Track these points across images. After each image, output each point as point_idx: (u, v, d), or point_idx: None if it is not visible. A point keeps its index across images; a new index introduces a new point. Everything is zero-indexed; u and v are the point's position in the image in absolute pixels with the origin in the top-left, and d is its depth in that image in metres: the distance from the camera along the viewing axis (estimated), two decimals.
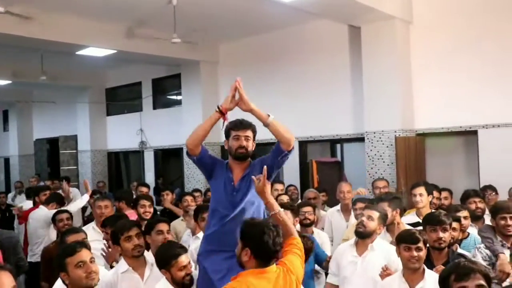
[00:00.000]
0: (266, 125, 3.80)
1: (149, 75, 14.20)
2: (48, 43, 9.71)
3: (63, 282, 3.23)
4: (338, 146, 10.78)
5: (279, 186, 7.25)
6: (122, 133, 15.35)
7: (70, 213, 6.28)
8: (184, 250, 3.75)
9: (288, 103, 10.71)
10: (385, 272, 3.90)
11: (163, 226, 4.33)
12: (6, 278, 2.58)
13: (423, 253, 3.65)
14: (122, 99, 15.74)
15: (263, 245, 2.89)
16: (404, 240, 3.69)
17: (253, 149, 3.95)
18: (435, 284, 2.97)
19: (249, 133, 3.90)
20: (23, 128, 19.59)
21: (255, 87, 11.31)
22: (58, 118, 17.77)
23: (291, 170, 10.68)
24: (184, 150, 3.85)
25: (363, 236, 4.16)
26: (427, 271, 3.67)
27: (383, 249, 4.16)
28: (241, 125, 3.88)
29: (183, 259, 3.62)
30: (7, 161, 20.72)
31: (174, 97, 14.05)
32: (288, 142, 3.81)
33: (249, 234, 2.94)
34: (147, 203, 5.30)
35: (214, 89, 12.33)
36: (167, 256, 3.62)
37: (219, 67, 12.40)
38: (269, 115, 3.80)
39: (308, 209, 5.57)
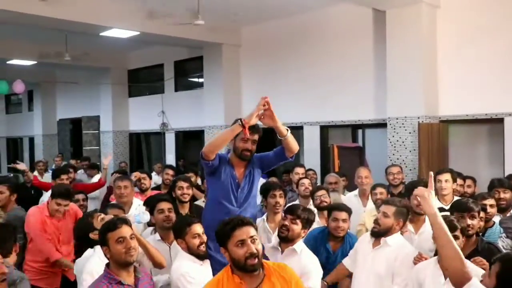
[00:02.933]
0: (283, 138, 4.00)
1: (171, 57, 14.19)
2: (73, 24, 9.73)
3: (106, 256, 3.30)
4: (360, 131, 10.68)
5: (300, 170, 7.18)
6: (144, 114, 15.40)
7: (86, 195, 6.35)
8: (198, 220, 3.87)
9: (310, 88, 10.63)
10: (419, 259, 3.78)
11: (164, 205, 4.42)
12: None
13: (459, 242, 3.53)
14: (144, 81, 15.78)
15: None
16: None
17: (255, 150, 4.20)
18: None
19: (256, 137, 4.10)
20: (47, 108, 19.83)
21: (276, 71, 11.29)
22: (81, 99, 17.90)
23: (312, 154, 10.65)
24: (205, 138, 3.94)
25: (378, 235, 3.99)
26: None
27: (398, 244, 3.97)
28: (252, 128, 3.99)
29: (197, 228, 3.75)
30: (31, 140, 21.01)
31: (196, 79, 14.03)
32: (293, 153, 4.11)
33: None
34: (184, 184, 5.23)
35: (236, 72, 12.28)
36: (181, 225, 3.78)
37: (241, 50, 12.31)
38: (287, 129, 4.01)
39: (322, 192, 5.57)
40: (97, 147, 16.96)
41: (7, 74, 14.42)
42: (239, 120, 3.87)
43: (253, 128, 4.00)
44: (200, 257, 3.72)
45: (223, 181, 4.05)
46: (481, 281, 2.88)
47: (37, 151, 20.32)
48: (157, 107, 14.65)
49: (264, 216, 5.01)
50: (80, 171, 10.51)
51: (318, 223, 5.03)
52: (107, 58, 15.20)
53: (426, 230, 4.25)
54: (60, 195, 5.09)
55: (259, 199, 6.31)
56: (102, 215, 3.90)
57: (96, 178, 8.64)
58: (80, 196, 6.10)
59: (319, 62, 10.54)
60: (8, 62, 14.47)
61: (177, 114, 14.13)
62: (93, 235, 3.88)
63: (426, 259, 3.78)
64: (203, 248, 3.72)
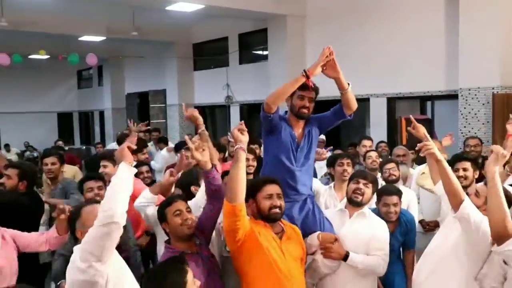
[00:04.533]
0: (344, 92, 3.91)
1: (236, 30, 14.22)
2: None
3: (165, 232, 3.41)
4: (429, 103, 10.39)
5: (367, 143, 7.07)
6: (209, 88, 15.59)
7: (150, 166, 6.42)
8: None
9: (376, 58, 10.41)
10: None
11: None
12: None
13: None
14: (208, 54, 15.93)
15: None
16: None
17: (313, 108, 4.06)
18: None
19: (313, 94, 3.97)
20: (115, 83, 20.43)
21: (342, 42, 11.07)
22: (148, 73, 18.30)
23: (378, 127, 10.48)
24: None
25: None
26: None
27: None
28: (307, 86, 3.89)
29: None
30: (102, 114, 21.77)
31: (260, 52, 14.02)
32: (353, 109, 4.00)
33: None
34: (250, 156, 5.27)
35: (301, 44, 12.15)
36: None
37: (306, 22, 12.16)
38: (349, 84, 3.91)
39: (391, 165, 5.43)
40: (164, 120, 17.36)
41: (79, 50, 14.90)
42: (303, 71, 3.80)
43: (312, 86, 3.92)
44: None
45: (283, 140, 3.96)
46: None
47: (107, 124, 21.04)
48: (222, 80, 14.79)
49: (332, 184, 5.06)
50: (150, 143, 10.78)
51: (335, 197, 4.91)
52: (172, 32, 15.42)
53: None
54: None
55: (324, 170, 6.31)
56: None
57: (164, 151, 8.82)
58: (144, 168, 6.13)
59: (386, 32, 10.27)
60: (79, 39, 14.97)
61: (241, 87, 14.22)
62: (194, 189, 4.11)
63: None
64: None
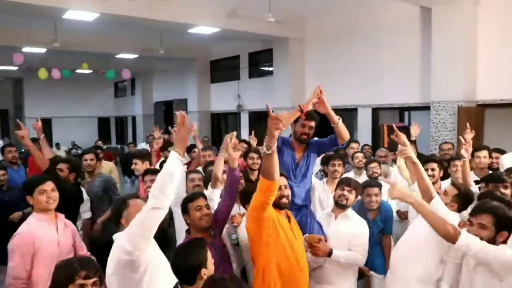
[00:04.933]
0: (335, 125, 3.96)
1: (246, 49, 14.29)
2: (166, 23, 10.02)
3: (186, 223, 3.44)
4: (406, 113, 10.46)
5: (354, 145, 7.15)
6: (223, 97, 15.65)
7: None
8: None
9: (363, 75, 10.48)
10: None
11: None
12: None
13: (508, 192, 3.83)
14: (223, 69, 15.98)
15: None
16: (491, 180, 3.93)
17: (312, 135, 4.18)
18: None
19: (313, 123, 4.08)
20: (145, 93, 20.51)
21: (334, 60, 11.18)
22: (172, 85, 18.39)
23: (364, 132, 10.52)
24: None
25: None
26: None
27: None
28: (309, 116, 4.01)
29: None
30: (134, 119, 21.86)
31: (266, 68, 14.06)
32: (344, 140, 4.06)
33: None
34: (255, 155, 5.36)
35: (301, 62, 12.23)
36: (250, 192, 3.55)
37: (305, 43, 12.22)
38: (339, 119, 3.96)
39: (374, 164, 5.58)
40: None
41: (116, 65, 15.06)
42: (298, 106, 3.88)
43: (310, 116, 4.01)
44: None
45: (285, 160, 4.07)
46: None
47: (138, 128, 21.15)
48: (234, 91, 14.86)
49: (325, 179, 5.17)
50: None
51: (328, 191, 4.95)
52: (193, 51, 15.52)
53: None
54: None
55: (318, 167, 6.38)
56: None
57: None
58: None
59: (372, 53, 10.33)
60: (116, 56, 15.11)
61: (250, 97, 14.28)
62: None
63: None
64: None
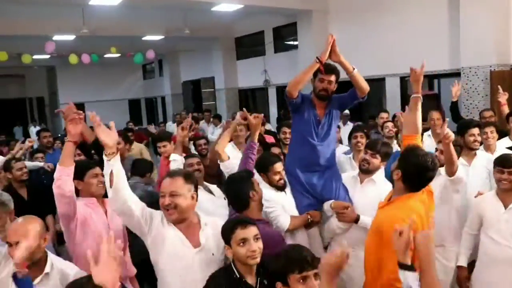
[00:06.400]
0: (350, 74, 3.75)
1: (270, 24, 14.12)
2: (190, 3, 10.02)
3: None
4: (436, 81, 10.19)
5: (384, 115, 7.01)
6: (250, 73, 15.57)
7: (207, 139, 6.14)
8: (279, 159, 3.83)
9: (391, 44, 10.23)
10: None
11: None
12: None
13: None
14: (248, 46, 15.89)
15: (416, 177, 2.69)
16: (498, 163, 3.56)
17: (334, 89, 3.93)
18: None
19: (332, 77, 3.84)
20: (173, 73, 20.58)
21: (359, 31, 10.93)
22: (199, 64, 18.39)
23: (393, 102, 10.36)
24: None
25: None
26: None
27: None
28: (327, 69, 3.80)
29: (277, 166, 3.72)
30: (163, 99, 22.06)
31: (291, 42, 13.91)
32: (363, 91, 3.80)
33: (406, 160, 2.72)
34: (287, 130, 5.37)
35: (325, 35, 11.64)
36: (266, 162, 3.75)
37: (329, 16, 11.98)
38: (354, 68, 3.74)
39: None
40: (213, 102, 17.53)
41: (142, 48, 15.16)
42: (316, 58, 3.75)
43: (329, 70, 3.81)
44: (279, 188, 3.74)
45: (306, 118, 3.87)
46: None
47: (167, 107, 21.35)
48: (260, 67, 14.78)
49: (351, 154, 5.05)
50: (202, 121, 11.13)
51: (355, 166, 4.69)
52: (217, 29, 15.39)
53: (477, 163, 4.46)
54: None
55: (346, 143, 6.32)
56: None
57: (219, 128, 9.01)
58: (202, 141, 5.78)
59: (398, 21, 10.05)
60: (142, 38, 15.18)
61: (276, 72, 14.19)
62: None
63: (482, 194, 3.75)
64: (282, 181, 3.73)
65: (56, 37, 13.10)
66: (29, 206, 4.62)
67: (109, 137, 2.61)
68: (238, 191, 3.07)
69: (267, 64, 14.58)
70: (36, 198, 5.19)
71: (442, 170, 3.73)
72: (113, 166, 2.58)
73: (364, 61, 10.46)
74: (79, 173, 3.23)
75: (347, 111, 9.21)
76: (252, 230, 2.52)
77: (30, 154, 6.51)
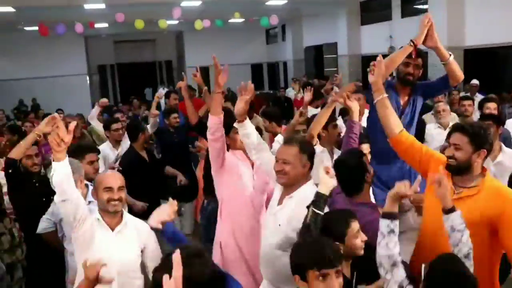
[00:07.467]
0: (445, 62, 3.40)
1: None
2: None
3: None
4: None
5: None
6: (374, 40, 14.89)
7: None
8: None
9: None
10: None
11: None
12: None
13: None
14: (374, 10, 15.17)
15: None
16: None
17: (419, 75, 3.60)
18: None
19: (419, 61, 3.54)
20: (296, 38, 20.48)
21: None
22: (322, 29, 18.03)
23: None
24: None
25: None
26: None
27: None
28: (416, 53, 3.48)
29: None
30: (285, 64, 22.18)
31: (421, 6, 12.93)
32: (457, 79, 3.47)
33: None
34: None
35: None
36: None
37: None
38: (450, 54, 3.40)
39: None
40: (335, 69, 17.15)
41: (266, 13, 15.29)
42: (410, 41, 3.43)
43: (417, 53, 3.51)
44: None
45: None
46: None
47: (289, 73, 21.44)
48: (385, 33, 14.04)
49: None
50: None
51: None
52: None
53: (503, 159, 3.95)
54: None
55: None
56: None
57: None
58: None
59: None
60: (266, 3, 15.23)
61: (403, 38, 13.17)
62: None
63: None
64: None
65: (184, 3, 13.70)
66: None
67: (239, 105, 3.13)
68: (351, 174, 2.85)
69: (393, 29, 13.80)
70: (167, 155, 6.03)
71: None
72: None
73: (503, 24, 9.36)
74: (228, 128, 3.66)
75: (476, 81, 8.45)
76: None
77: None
